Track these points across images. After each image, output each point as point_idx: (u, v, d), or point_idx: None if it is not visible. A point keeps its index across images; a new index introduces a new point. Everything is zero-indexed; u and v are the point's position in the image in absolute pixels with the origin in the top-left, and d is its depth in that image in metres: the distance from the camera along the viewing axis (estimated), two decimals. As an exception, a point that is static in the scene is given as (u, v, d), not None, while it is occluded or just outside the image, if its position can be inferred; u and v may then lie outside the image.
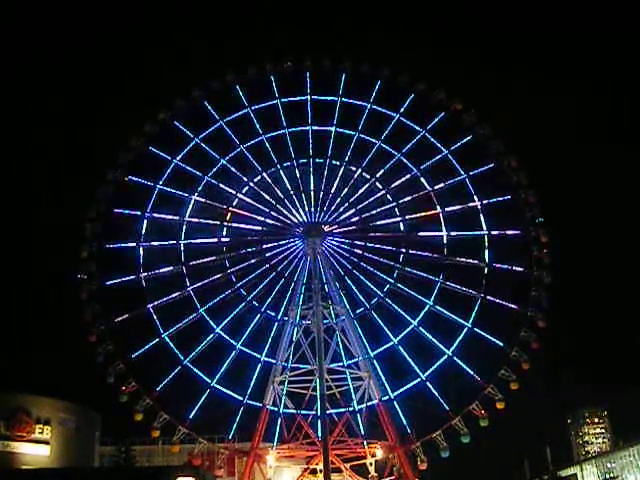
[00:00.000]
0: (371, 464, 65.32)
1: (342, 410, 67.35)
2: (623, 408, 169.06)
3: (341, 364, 69.27)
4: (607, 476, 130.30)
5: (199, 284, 69.72)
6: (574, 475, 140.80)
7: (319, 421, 63.87)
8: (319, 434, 63.39)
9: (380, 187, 73.75)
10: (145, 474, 59.83)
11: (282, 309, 71.15)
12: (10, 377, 69.47)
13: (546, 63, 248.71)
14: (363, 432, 66.09)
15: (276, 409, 67.20)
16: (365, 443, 65.70)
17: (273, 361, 69.54)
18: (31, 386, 68.17)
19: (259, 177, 73.67)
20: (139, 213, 70.71)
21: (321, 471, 62.27)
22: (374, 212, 73.09)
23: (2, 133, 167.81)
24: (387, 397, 68.15)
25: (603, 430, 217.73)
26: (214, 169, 73.19)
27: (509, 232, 71.16)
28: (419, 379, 67.31)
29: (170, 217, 71.50)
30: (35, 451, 63.76)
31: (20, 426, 63.27)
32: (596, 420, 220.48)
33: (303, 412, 67.38)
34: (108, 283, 68.26)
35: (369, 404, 67.96)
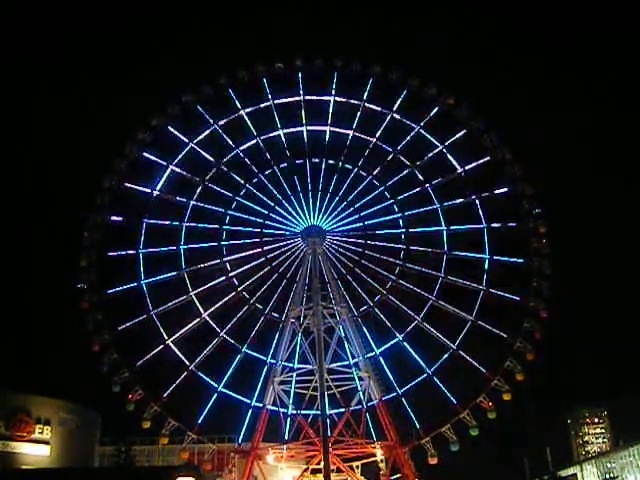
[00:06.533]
0: (381, 461, 65.32)
1: (342, 410, 67.23)
2: (623, 408, 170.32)
3: (340, 364, 69.17)
4: (607, 476, 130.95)
5: (201, 289, 69.49)
6: (574, 475, 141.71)
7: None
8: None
9: (377, 184, 73.90)
10: (145, 474, 59.97)
11: (285, 310, 71.03)
12: (10, 377, 69.19)
13: (539, 53, 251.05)
14: (365, 432, 65.84)
15: (276, 409, 66.94)
16: (375, 440, 65.81)
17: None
18: (31, 386, 68.23)
19: (256, 179, 73.56)
20: (137, 220, 70.33)
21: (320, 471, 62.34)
22: (372, 210, 73.18)
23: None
24: (394, 394, 68.21)
25: (603, 430, 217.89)
26: (211, 173, 73.03)
27: (508, 224, 71.47)
28: (425, 374, 67.48)
29: (169, 223, 71.30)
30: (35, 451, 64.29)
31: (20, 426, 63.56)
32: (596, 420, 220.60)
33: (304, 412, 67.28)
34: (109, 291, 67.82)
35: (369, 404, 67.94)
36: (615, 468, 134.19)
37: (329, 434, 62.77)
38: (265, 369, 69.13)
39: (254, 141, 74.51)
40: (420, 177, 73.29)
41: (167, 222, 71.35)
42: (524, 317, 67.98)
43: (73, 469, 62.64)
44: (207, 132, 74.09)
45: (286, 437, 65.43)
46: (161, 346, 67.05)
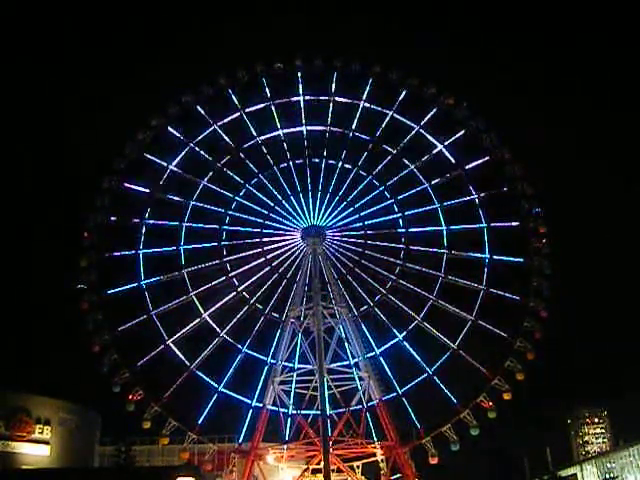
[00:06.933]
0: (382, 461, 65.34)
1: (342, 410, 67.19)
2: (623, 408, 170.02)
3: (340, 364, 69.13)
4: (607, 476, 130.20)
5: (201, 289, 69.51)
6: (574, 475, 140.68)
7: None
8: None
9: (377, 184, 73.86)
10: (145, 474, 60.07)
11: (285, 310, 71.05)
12: (10, 377, 69.26)
13: (539, 53, 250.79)
14: (365, 432, 65.86)
15: (276, 409, 66.89)
16: (375, 440, 65.85)
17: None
18: (31, 386, 68.36)
19: (256, 179, 73.50)
20: (137, 220, 70.30)
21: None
22: (372, 209, 73.14)
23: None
24: (394, 394, 68.22)
25: (603, 430, 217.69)
26: (210, 173, 73.03)
27: (508, 224, 71.47)
28: (426, 374, 67.52)
29: (169, 223, 71.33)
30: (35, 451, 64.56)
31: (20, 426, 63.81)
32: (596, 420, 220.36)
33: (304, 412, 67.32)
34: (109, 292, 67.83)
35: (369, 404, 67.94)
36: (615, 468, 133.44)
37: (329, 434, 62.72)
38: (265, 369, 69.22)
39: (254, 141, 74.48)
40: (420, 177, 73.32)
41: (167, 222, 71.40)
42: (524, 317, 68.00)
43: (73, 469, 62.87)
44: (207, 132, 74.08)
45: (286, 437, 65.46)
46: (161, 346, 67.16)
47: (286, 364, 69.17)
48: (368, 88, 75.37)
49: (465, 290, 70.41)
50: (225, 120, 74.68)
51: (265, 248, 71.56)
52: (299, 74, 75.96)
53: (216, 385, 66.92)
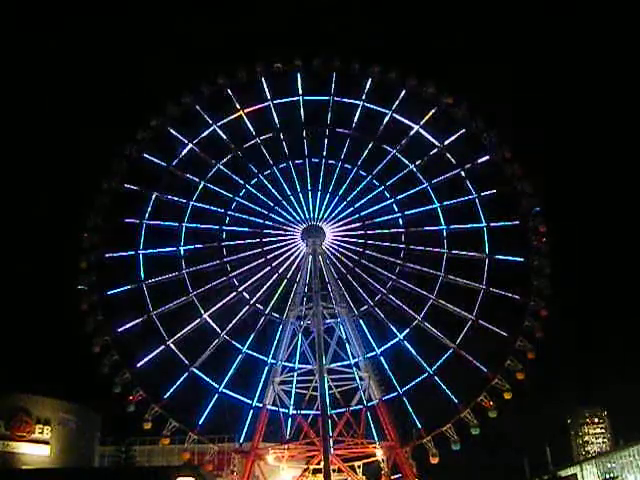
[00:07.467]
0: (383, 461, 65.29)
1: (342, 410, 67.17)
2: (623, 408, 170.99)
3: (340, 364, 69.08)
4: (607, 476, 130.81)
5: (202, 289, 69.51)
6: (574, 475, 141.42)
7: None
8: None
9: (377, 184, 73.81)
10: (145, 474, 60.20)
11: (286, 310, 71.03)
12: (10, 377, 69.33)
13: (540, 52, 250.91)
14: (365, 432, 65.83)
15: (277, 409, 66.85)
16: (376, 440, 65.85)
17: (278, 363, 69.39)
18: (31, 386, 68.41)
19: (256, 179, 73.42)
20: (137, 220, 70.22)
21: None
22: (372, 209, 73.06)
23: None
24: (395, 393, 68.17)
25: (603, 430, 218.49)
26: (210, 173, 72.95)
27: (507, 223, 71.39)
28: (426, 374, 67.47)
29: (169, 223, 71.30)
30: (35, 451, 64.96)
31: (20, 426, 64.19)
32: (596, 420, 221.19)
33: (304, 412, 67.30)
34: (109, 292, 67.78)
35: (369, 404, 67.92)
36: (615, 468, 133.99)
37: (329, 434, 62.71)
38: (265, 369, 69.23)
39: (253, 141, 74.38)
40: (420, 177, 73.27)
41: (167, 223, 71.36)
42: (524, 316, 67.94)
43: (73, 469, 63.00)
44: (207, 132, 74.01)
45: (287, 437, 65.42)
46: (162, 347, 67.10)
47: (286, 364, 69.19)
48: (368, 88, 75.27)
49: (465, 289, 70.37)
50: (225, 120, 74.59)
51: (265, 248, 71.54)
52: (299, 74, 75.81)
53: (216, 385, 66.92)
